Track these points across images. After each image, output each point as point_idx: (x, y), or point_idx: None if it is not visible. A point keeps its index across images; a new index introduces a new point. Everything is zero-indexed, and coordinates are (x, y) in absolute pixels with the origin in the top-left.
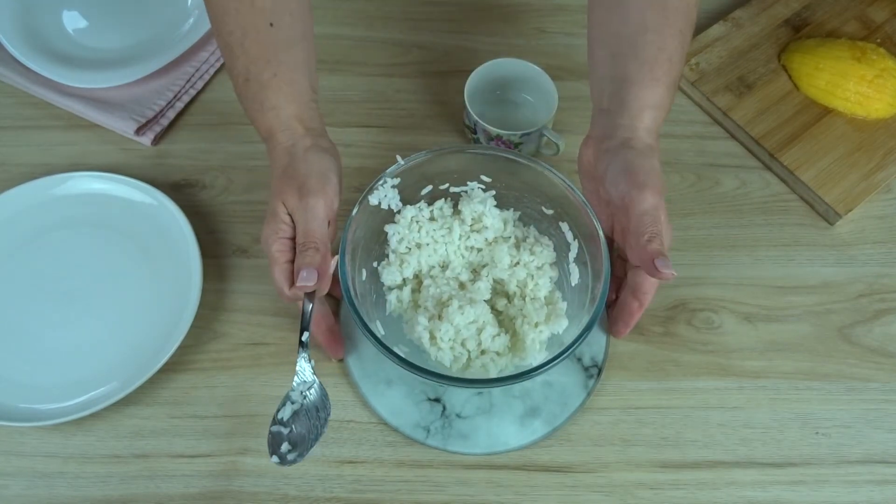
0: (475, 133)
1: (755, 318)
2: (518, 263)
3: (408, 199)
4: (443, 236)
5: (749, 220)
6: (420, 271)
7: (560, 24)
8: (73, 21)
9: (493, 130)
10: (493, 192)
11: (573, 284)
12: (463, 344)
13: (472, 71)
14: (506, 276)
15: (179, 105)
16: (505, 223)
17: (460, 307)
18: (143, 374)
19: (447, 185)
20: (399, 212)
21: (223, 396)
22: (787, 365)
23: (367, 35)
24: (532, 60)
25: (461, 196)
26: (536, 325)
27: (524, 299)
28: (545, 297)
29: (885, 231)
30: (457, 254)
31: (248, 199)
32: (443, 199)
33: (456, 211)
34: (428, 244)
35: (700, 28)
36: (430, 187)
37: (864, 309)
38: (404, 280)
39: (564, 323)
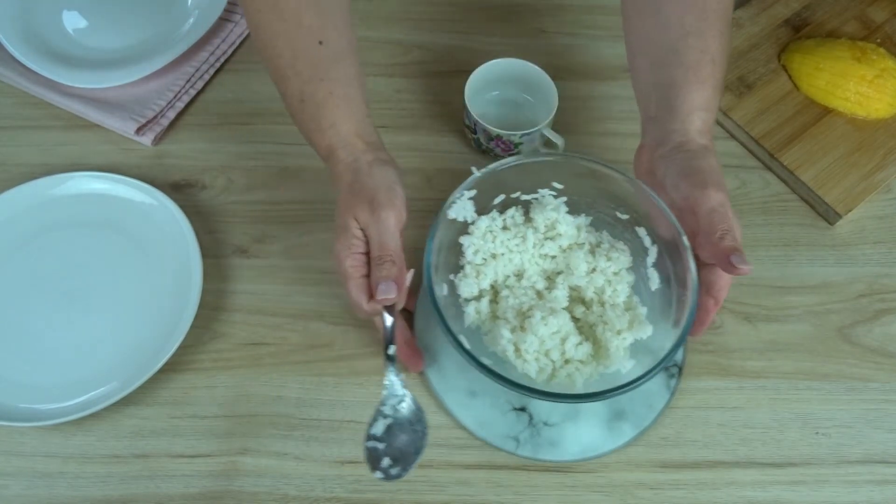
0: (475, 133)
1: (755, 318)
2: (595, 270)
3: (480, 209)
4: (517, 245)
5: (749, 220)
6: (496, 282)
7: (560, 24)
8: (73, 21)
9: (493, 130)
10: (565, 199)
11: (653, 289)
12: (547, 354)
13: (472, 71)
14: (583, 283)
15: (179, 105)
16: (578, 229)
17: (543, 318)
18: (143, 374)
19: (518, 193)
20: (473, 223)
21: (223, 396)
22: (787, 365)
23: (368, 35)
24: (532, 60)
25: (531, 204)
26: (619, 332)
27: (602, 305)
28: (623, 303)
29: (885, 231)
30: (531, 262)
31: (248, 199)
32: (514, 208)
33: (528, 219)
34: (503, 254)
35: None
36: (502, 196)
37: (864, 309)
38: (481, 291)
39: (649, 329)
